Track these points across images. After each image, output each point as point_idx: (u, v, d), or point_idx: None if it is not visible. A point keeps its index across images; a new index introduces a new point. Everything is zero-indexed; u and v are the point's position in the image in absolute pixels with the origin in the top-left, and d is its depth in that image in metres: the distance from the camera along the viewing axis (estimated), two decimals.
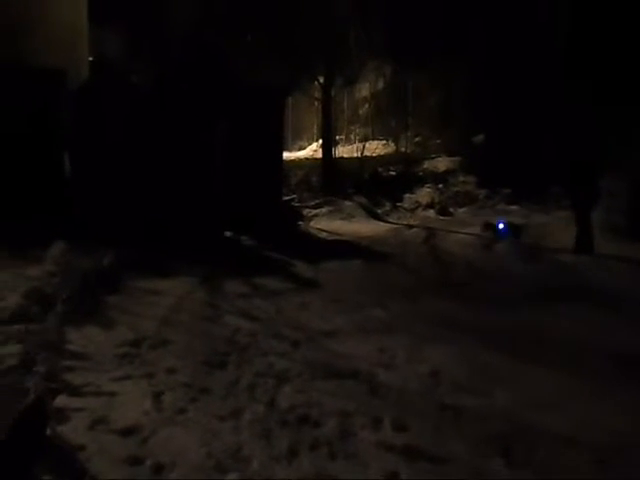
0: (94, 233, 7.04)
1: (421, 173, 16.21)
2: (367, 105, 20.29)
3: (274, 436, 3.02)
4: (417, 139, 18.56)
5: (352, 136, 20.43)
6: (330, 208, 13.17)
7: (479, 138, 15.59)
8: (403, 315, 5.44)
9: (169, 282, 6.22)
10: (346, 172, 15.88)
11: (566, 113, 9.33)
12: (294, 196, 14.04)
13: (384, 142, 19.30)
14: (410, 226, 11.10)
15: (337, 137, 18.49)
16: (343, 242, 9.71)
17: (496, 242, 8.92)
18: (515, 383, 3.81)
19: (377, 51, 16.72)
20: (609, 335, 4.86)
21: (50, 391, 3.27)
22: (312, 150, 20.37)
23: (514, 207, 12.47)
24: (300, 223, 10.76)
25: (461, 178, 15.22)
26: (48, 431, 2.78)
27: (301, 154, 20.41)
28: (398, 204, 13.85)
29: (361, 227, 11.22)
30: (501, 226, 9.41)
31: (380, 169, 16.39)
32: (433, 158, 17.13)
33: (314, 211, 12.79)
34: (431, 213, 13.02)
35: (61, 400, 3.25)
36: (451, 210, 13.02)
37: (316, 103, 17.04)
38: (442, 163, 16.61)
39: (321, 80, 15.90)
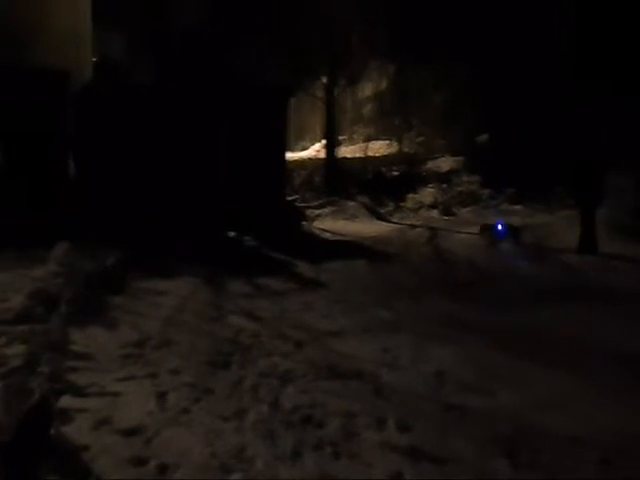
0: (98, 233, 7.05)
1: (424, 173, 16.19)
2: (370, 105, 20.28)
3: (278, 436, 3.01)
4: (420, 139, 18.52)
5: (355, 136, 20.42)
6: (333, 208, 13.18)
7: (483, 138, 15.57)
8: (407, 315, 5.43)
9: (172, 282, 6.22)
10: (349, 172, 15.88)
11: (570, 113, 9.30)
12: (297, 196, 14.05)
13: (387, 142, 19.28)
14: (413, 226, 11.10)
15: (340, 137, 18.48)
16: (346, 242, 9.72)
17: (498, 243, 8.91)
18: (520, 383, 3.80)
19: (380, 51, 16.69)
20: (614, 335, 4.85)
21: (54, 391, 3.28)
22: (315, 150, 20.36)
23: (518, 207, 12.45)
24: (303, 223, 10.76)
25: (465, 178, 15.19)
26: (52, 431, 2.78)
27: (304, 154, 20.40)
28: (401, 204, 13.85)
29: (364, 227, 11.23)
30: (499, 227, 9.39)
31: (383, 169, 16.38)
32: (436, 158, 17.11)
33: (317, 211, 12.81)
34: (434, 213, 13.02)
35: (65, 400, 3.26)
36: (454, 210, 13.02)
37: (319, 103, 17.02)
38: (446, 163, 16.58)
39: (324, 80, 15.90)
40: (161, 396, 3.42)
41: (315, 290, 6.37)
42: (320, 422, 3.19)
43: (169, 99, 9.28)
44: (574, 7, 8.95)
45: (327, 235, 10.33)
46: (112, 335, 4.51)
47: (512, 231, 9.30)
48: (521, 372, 4.01)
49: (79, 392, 3.40)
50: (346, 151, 18.22)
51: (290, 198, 12.69)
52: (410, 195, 14.43)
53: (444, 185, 14.97)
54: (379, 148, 18.77)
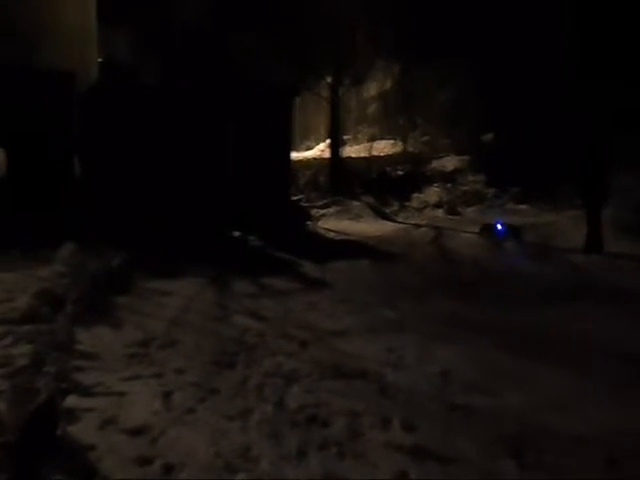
0: (103, 233, 7.07)
1: (429, 172, 16.15)
2: (375, 104, 20.25)
3: (283, 436, 3.02)
4: (425, 138, 18.48)
5: (360, 136, 20.39)
6: (338, 208, 13.18)
7: (488, 137, 15.53)
8: (412, 315, 5.42)
9: (178, 282, 6.24)
10: (354, 172, 15.87)
11: (574, 113, 9.27)
12: (302, 196, 14.06)
13: (392, 142, 19.24)
14: (418, 225, 11.09)
15: (345, 137, 18.47)
16: (351, 242, 9.71)
17: (498, 242, 8.89)
18: (525, 383, 3.79)
19: (385, 50, 16.67)
20: (619, 334, 4.83)
21: (60, 391, 3.29)
22: (320, 150, 20.35)
23: (523, 206, 12.42)
24: (308, 223, 10.77)
25: (470, 177, 15.15)
26: (59, 431, 2.79)
27: (309, 154, 20.40)
28: (406, 204, 13.83)
29: (369, 227, 11.22)
30: (499, 227, 9.36)
31: (388, 169, 16.36)
32: (441, 157, 17.06)
33: (322, 211, 12.81)
34: (439, 212, 13.00)
35: (71, 400, 3.27)
36: (459, 209, 12.98)
37: (324, 103, 17.01)
38: (450, 162, 16.54)
39: (329, 80, 15.88)
40: (166, 396, 3.43)
41: (320, 290, 6.37)
42: (325, 422, 3.19)
43: (175, 99, 9.30)
44: (575, 7, 8.92)
45: (332, 235, 10.33)
46: (118, 335, 4.53)
47: (512, 230, 9.27)
48: (527, 372, 4.00)
49: (85, 392, 3.42)
50: (351, 151, 18.20)
51: (295, 198, 12.69)
52: (415, 194, 14.40)
53: (449, 184, 14.93)
54: (384, 148, 18.75)
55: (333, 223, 11.57)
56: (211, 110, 9.41)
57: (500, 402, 3.51)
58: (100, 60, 11.68)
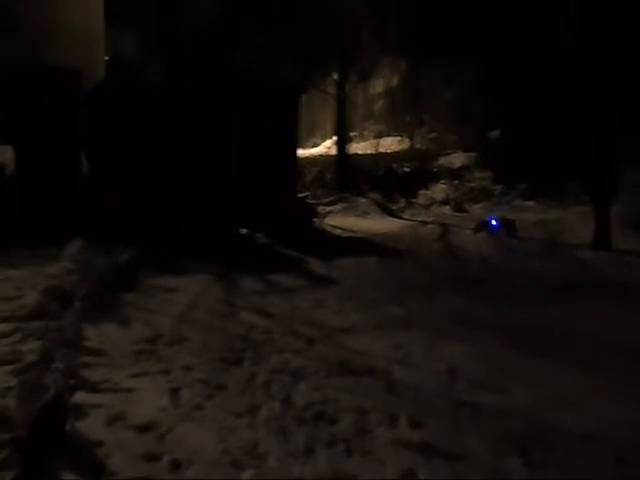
0: (111, 231, 7.10)
1: (436, 169, 16.09)
2: (381, 101, 20.20)
3: (290, 433, 3.02)
4: (432, 135, 18.42)
5: (366, 132, 20.35)
6: (344, 205, 13.17)
7: (495, 133, 15.45)
8: (418, 312, 5.42)
9: (185, 279, 6.26)
10: (360, 169, 15.84)
11: (581, 112, 9.23)
12: (308, 193, 14.05)
13: (399, 138, 19.19)
14: (425, 222, 11.05)
15: (351, 134, 18.43)
16: (358, 239, 9.70)
17: (493, 238, 8.86)
18: (532, 380, 3.78)
19: (391, 46, 16.62)
20: (627, 331, 4.80)
21: (69, 387, 3.31)
22: (326, 147, 20.32)
23: (530, 203, 12.34)
24: (315, 220, 10.76)
25: (477, 174, 15.08)
26: (67, 427, 2.81)
27: (315, 151, 20.37)
28: (413, 200, 13.79)
29: (376, 224, 11.20)
30: (493, 223, 9.33)
31: (395, 165, 16.31)
32: (448, 154, 17.00)
33: (328, 208, 12.80)
34: (446, 209, 12.94)
35: (79, 396, 3.29)
36: (466, 206, 12.93)
37: (330, 99, 16.98)
38: (457, 159, 16.47)
39: (335, 76, 15.85)
40: (174, 392, 3.44)
41: (326, 287, 6.37)
42: (332, 419, 3.19)
43: (181, 98, 9.31)
44: (581, 7, 8.87)
45: (338, 232, 10.32)
46: (125, 331, 4.54)
47: (506, 225, 9.21)
48: (534, 369, 3.99)
49: (93, 388, 3.43)
50: (357, 148, 18.17)
51: (301, 195, 12.69)
52: (422, 191, 14.35)
53: (456, 181, 14.86)
54: (390, 144, 18.70)
55: (340, 220, 11.57)
56: (217, 108, 9.41)
57: (507, 399, 3.50)
58: (107, 59, 11.72)
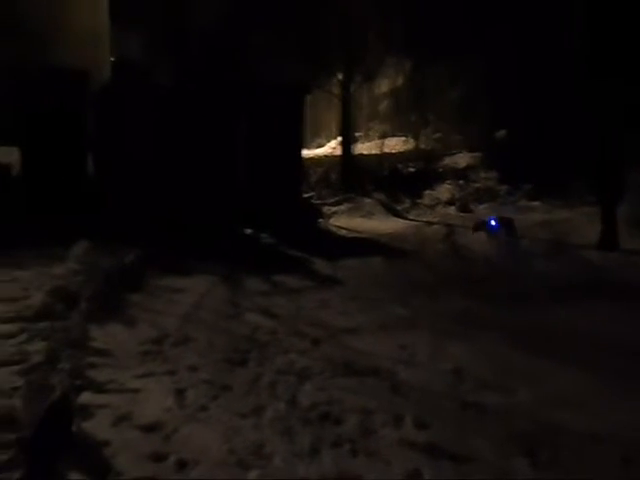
0: (116, 231, 7.12)
1: (441, 169, 16.05)
2: (386, 101, 20.18)
3: (296, 433, 3.02)
4: (437, 135, 18.38)
5: (371, 133, 20.33)
6: (349, 205, 13.16)
7: (501, 133, 15.41)
8: (423, 312, 5.41)
9: (190, 280, 6.27)
10: (365, 169, 15.82)
11: (586, 111, 9.19)
12: (313, 193, 14.05)
13: (404, 138, 19.16)
14: (430, 223, 11.04)
15: (356, 134, 18.41)
16: (363, 239, 9.69)
17: (492, 238, 8.83)
18: (538, 380, 3.77)
19: (396, 46, 16.60)
20: (634, 332, 4.78)
21: (75, 388, 3.32)
22: (331, 147, 20.32)
23: (536, 203, 12.30)
24: (320, 220, 10.76)
25: (482, 174, 15.04)
26: (73, 427, 2.82)
27: (320, 151, 20.37)
28: (418, 201, 13.76)
29: (381, 224, 11.19)
30: (492, 223, 9.30)
31: (400, 166, 16.29)
32: (454, 154, 16.95)
33: (333, 208, 12.79)
34: (451, 210, 12.91)
35: (85, 397, 3.30)
36: (472, 207, 12.89)
37: (335, 100, 16.97)
38: (463, 159, 16.43)
39: (340, 77, 15.85)
40: (180, 393, 3.45)
41: (331, 287, 6.37)
42: (338, 419, 3.19)
43: (187, 98, 9.33)
44: (587, 6, 8.84)
45: (343, 232, 10.32)
46: (131, 332, 4.56)
47: (505, 225, 9.18)
48: (539, 369, 3.98)
49: (99, 388, 3.45)
50: (362, 148, 18.15)
51: (306, 195, 12.69)
52: (427, 192, 14.32)
53: (461, 181, 14.82)
54: (395, 145, 18.67)
55: (345, 220, 11.56)
56: (223, 109, 9.42)
57: (512, 399, 3.49)
58: (113, 59, 11.76)
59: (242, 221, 9.33)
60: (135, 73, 9.49)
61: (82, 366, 3.69)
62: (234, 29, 12.68)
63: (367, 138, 19.99)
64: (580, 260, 7.57)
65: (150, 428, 3.00)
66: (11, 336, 4.12)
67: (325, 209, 12.24)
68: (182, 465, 2.68)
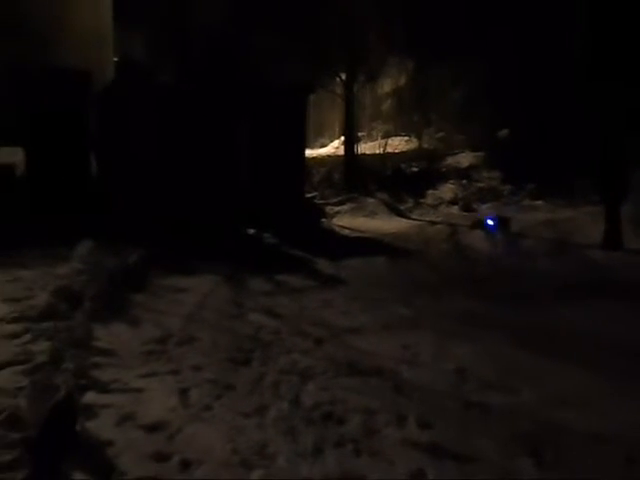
0: (120, 231, 7.14)
1: (444, 169, 16.03)
2: (389, 101, 20.16)
3: (299, 433, 3.02)
4: (440, 135, 18.35)
5: (374, 132, 20.31)
6: (352, 205, 13.15)
7: (503, 133, 15.38)
8: (427, 312, 5.40)
9: (193, 280, 6.28)
10: (368, 169, 15.81)
11: (589, 111, 9.17)
12: (316, 193, 14.05)
13: (407, 138, 19.14)
14: (433, 222, 11.02)
15: (359, 134, 18.40)
16: (366, 239, 9.69)
17: (491, 237, 8.84)
18: (541, 380, 3.76)
19: (399, 47, 16.59)
20: (638, 332, 4.77)
21: (79, 387, 3.33)
22: (334, 147, 20.32)
23: (539, 202, 12.28)
24: (323, 220, 10.76)
25: (485, 174, 15.01)
26: (77, 427, 2.83)
27: (323, 151, 20.36)
28: (421, 200, 13.74)
29: (384, 224, 11.18)
30: (490, 222, 9.32)
31: (403, 165, 16.27)
32: (456, 154, 16.92)
33: (336, 208, 12.78)
34: (454, 209, 12.89)
35: (89, 396, 3.31)
36: (475, 206, 12.87)
37: (338, 100, 16.97)
38: (466, 159, 16.40)
39: (343, 76, 15.85)
40: (183, 392, 3.46)
41: (334, 287, 6.37)
42: (341, 419, 3.19)
43: (190, 99, 9.34)
44: (589, 7, 8.83)
45: (346, 232, 10.32)
46: (135, 332, 4.57)
47: (502, 223, 9.20)
48: (542, 369, 3.97)
49: (103, 388, 3.46)
50: (365, 147, 18.12)
51: (309, 195, 12.70)
52: (430, 191, 14.30)
53: (464, 181, 14.79)
54: (398, 144, 18.64)
55: (348, 220, 11.56)
56: (226, 109, 9.43)
57: (516, 399, 3.48)
58: (116, 60, 11.78)
59: (245, 221, 9.33)
60: (138, 73, 9.51)
61: (86, 366, 3.70)
62: (237, 29, 12.69)
63: (370, 138, 19.96)
64: (584, 259, 7.55)
65: (154, 428, 3.01)
66: (15, 336, 4.13)
67: (328, 209, 12.23)
68: (186, 465, 2.68)
